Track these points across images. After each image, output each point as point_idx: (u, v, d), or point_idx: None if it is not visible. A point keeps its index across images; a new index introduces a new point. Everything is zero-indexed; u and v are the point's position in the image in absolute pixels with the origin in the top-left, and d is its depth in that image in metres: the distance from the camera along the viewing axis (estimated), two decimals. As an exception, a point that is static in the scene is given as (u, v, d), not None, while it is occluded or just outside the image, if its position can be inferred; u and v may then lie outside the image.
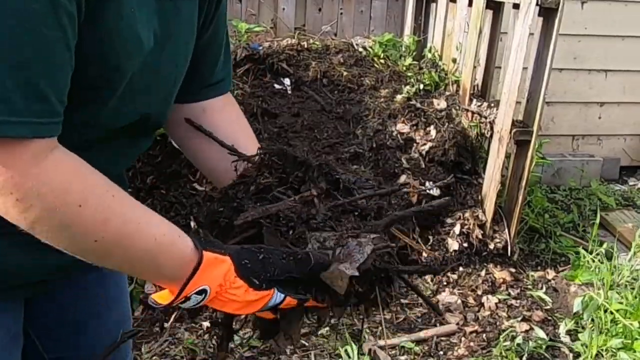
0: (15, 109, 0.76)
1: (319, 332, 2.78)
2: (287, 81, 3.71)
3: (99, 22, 0.83)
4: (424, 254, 3.18)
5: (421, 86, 3.72)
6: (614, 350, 2.66)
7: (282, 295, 0.94)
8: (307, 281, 0.94)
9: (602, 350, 2.68)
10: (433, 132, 3.52)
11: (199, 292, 0.90)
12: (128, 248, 0.87)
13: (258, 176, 1.05)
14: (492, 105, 3.46)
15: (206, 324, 2.74)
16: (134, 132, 1.04)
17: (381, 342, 2.73)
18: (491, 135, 3.39)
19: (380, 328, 2.86)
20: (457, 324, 2.94)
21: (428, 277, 3.24)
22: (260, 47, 3.80)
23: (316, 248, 0.96)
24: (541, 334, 2.85)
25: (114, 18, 0.85)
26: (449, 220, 3.39)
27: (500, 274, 3.31)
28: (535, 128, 3.24)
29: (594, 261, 3.29)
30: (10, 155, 0.77)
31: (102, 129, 0.97)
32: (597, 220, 3.36)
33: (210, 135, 1.15)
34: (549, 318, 3.03)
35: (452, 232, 3.35)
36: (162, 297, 0.93)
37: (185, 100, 1.18)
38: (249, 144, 1.20)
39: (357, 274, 0.92)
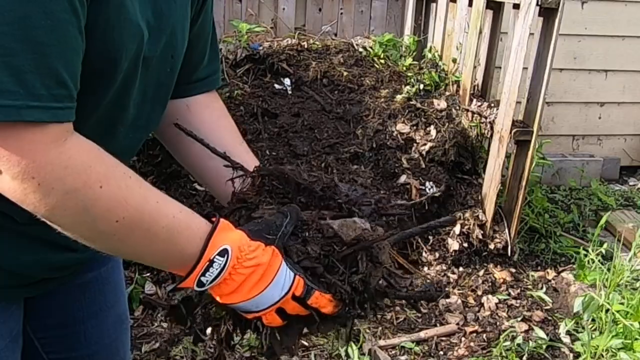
0: (35, 94, 0.76)
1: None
2: (287, 81, 3.71)
3: (102, 9, 0.84)
4: (419, 280, 3.18)
5: (421, 86, 3.72)
6: (614, 351, 2.66)
7: (292, 275, 0.95)
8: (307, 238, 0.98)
9: (602, 350, 2.68)
10: (433, 132, 3.52)
11: (221, 254, 0.90)
12: (149, 226, 0.87)
13: (260, 202, 1.05)
14: (492, 105, 3.46)
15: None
16: (131, 126, 1.04)
17: (381, 342, 2.73)
18: (491, 135, 3.39)
19: (380, 328, 2.86)
20: (457, 324, 2.94)
21: (428, 277, 3.24)
22: (261, 47, 3.80)
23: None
24: (541, 334, 2.85)
25: (115, 4, 0.85)
26: (449, 221, 3.38)
27: (501, 274, 3.31)
28: (535, 128, 3.24)
29: (593, 262, 3.29)
30: (30, 140, 0.77)
31: (100, 124, 0.97)
32: (603, 220, 3.34)
33: (201, 141, 1.14)
34: (549, 318, 3.03)
35: (452, 232, 3.35)
36: (184, 283, 0.93)
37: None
38: (235, 142, 1.21)
39: (368, 226, 0.98)
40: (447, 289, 3.16)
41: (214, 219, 0.94)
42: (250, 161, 1.18)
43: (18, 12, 0.74)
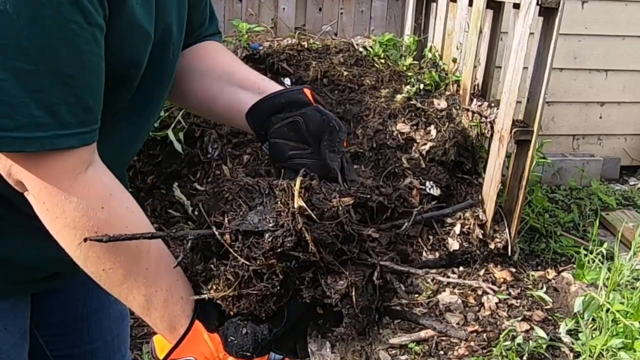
0: (64, 123, 0.80)
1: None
2: (287, 81, 3.71)
3: (115, 25, 0.86)
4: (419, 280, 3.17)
5: (421, 86, 3.72)
6: (615, 350, 2.66)
7: (280, 358, 0.95)
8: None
9: (602, 350, 2.68)
10: (433, 132, 3.52)
11: None
12: (128, 291, 0.90)
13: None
14: (493, 105, 3.46)
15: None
16: (133, 110, 1.04)
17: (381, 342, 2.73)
18: (491, 135, 3.39)
19: (380, 328, 2.86)
20: (458, 323, 2.94)
21: (428, 277, 3.24)
22: (261, 47, 3.80)
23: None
24: (541, 333, 2.85)
25: (127, 17, 0.87)
26: (449, 220, 3.39)
27: (501, 274, 3.31)
28: (535, 128, 3.24)
29: (593, 261, 3.29)
30: (50, 167, 0.82)
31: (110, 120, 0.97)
32: (597, 222, 3.35)
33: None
34: (550, 318, 3.03)
35: (452, 231, 3.35)
36: (160, 347, 0.96)
37: None
38: (250, 74, 1.15)
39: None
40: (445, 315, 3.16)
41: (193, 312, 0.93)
42: (258, 76, 1.13)
43: (45, 50, 0.77)
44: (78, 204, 0.84)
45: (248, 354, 0.90)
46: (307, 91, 1.06)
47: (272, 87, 1.09)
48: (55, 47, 0.78)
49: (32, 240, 0.99)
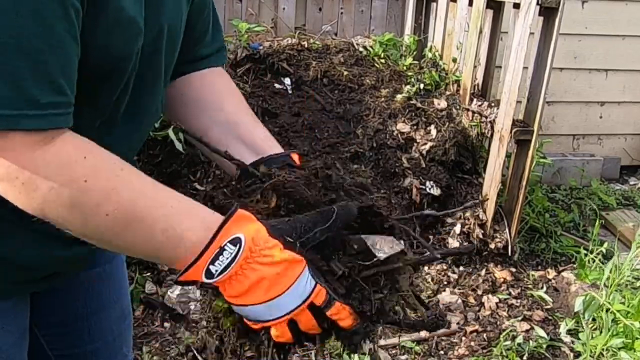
0: (32, 101, 0.77)
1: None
2: (287, 81, 3.71)
3: (101, 14, 0.84)
4: (419, 279, 3.19)
5: (421, 86, 3.71)
6: (615, 350, 2.66)
7: (313, 282, 0.87)
8: (334, 246, 0.91)
9: (603, 349, 2.68)
10: (433, 132, 3.52)
11: (233, 242, 0.84)
12: (144, 217, 0.83)
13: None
14: (493, 104, 3.46)
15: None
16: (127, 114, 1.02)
17: (382, 342, 2.73)
18: (491, 135, 3.39)
19: (380, 328, 2.86)
20: (458, 323, 2.94)
21: (428, 277, 3.24)
22: (261, 47, 3.80)
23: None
24: (542, 333, 2.85)
25: (114, 7, 0.85)
26: (449, 220, 3.39)
27: (501, 274, 3.31)
28: (535, 127, 3.24)
29: (594, 261, 3.29)
30: (16, 143, 0.78)
31: (102, 120, 0.97)
32: (598, 222, 3.36)
33: (200, 140, 1.10)
34: (550, 318, 3.03)
35: (452, 231, 3.35)
36: (189, 273, 0.85)
37: (172, 77, 1.15)
38: (242, 112, 1.17)
39: (403, 247, 0.92)
40: (447, 319, 3.17)
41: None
42: (258, 131, 1.15)
43: (14, 25, 0.74)
44: (59, 162, 0.79)
45: (290, 239, 0.87)
46: (295, 156, 1.08)
47: (269, 148, 1.11)
48: (25, 23, 0.75)
49: (32, 240, 0.99)
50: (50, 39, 0.77)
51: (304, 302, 0.87)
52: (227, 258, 0.84)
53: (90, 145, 0.83)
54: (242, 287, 0.85)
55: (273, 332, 0.89)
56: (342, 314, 0.90)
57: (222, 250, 0.84)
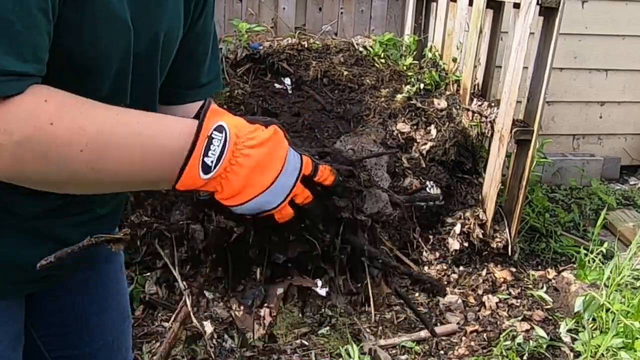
0: None
1: (320, 332, 2.78)
2: (287, 81, 3.71)
3: (87, 5, 0.83)
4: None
5: (421, 86, 3.71)
6: (615, 350, 2.66)
7: (298, 154, 0.88)
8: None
9: (603, 349, 2.68)
10: (433, 132, 3.52)
11: (219, 130, 0.82)
12: (118, 140, 0.80)
13: None
14: (493, 104, 3.46)
15: (207, 323, 2.74)
16: None
17: (382, 342, 2.73)
18: (492, 135, 3.39)
19: (380, 327, 2.86)
20: (458, 323, 2.94)
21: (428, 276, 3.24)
22: (261, 47, 3.80)
23: None
24: (542, 333, 2.85)
25: (100, 1, 0.85)
26: (449, 220, 3.39)
27: (501, 274, 3.31)
28: (535, 127, 3.24)
29: (594, 261, 3.29)
30: None
31: None
32: (601, 219, 3.36)
33: None
34: (550, 317, 3.03)
35: (452, 231, 3.35)
36: (185, 175, 0.82)
37: (168, 102, 1.15)
38: None
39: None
40: (447, 288, 3.16)
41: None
42: None
43: None
44: (19, 114, 0.75)
45: (268, 121, 0.88)
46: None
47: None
48: None
49: (27, 241, 0.99)
50: (20, 7, 0.75)
51: (298, 176, 0.87)
52: (218, 146, 0.82)
53: (50, 90, 0.79)
54: (239, 180, 0.83)
55: (278, 216, 0.88)
56: (325, 174, 0.91)
57: (210, 139, 0.82)
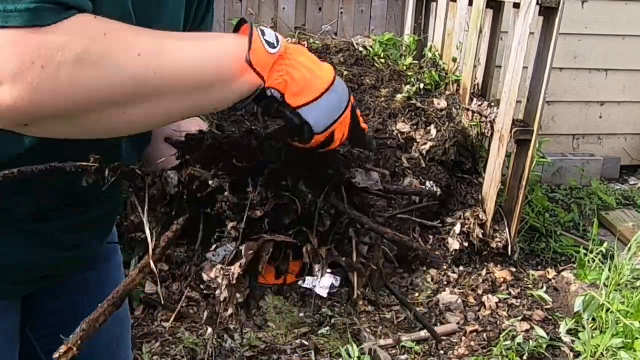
0: None
1: (320, 332, 2.78)
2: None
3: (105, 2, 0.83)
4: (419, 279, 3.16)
5: (421, 86, 3.71)
6: (615, 350, 2.66)
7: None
8: None
9: (603, 349, 2.68)
10: (433, 132, 3.52)
11: (268, 31, 0.83)
12: (173, 45, 0.78)
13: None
14: (493, 104, 3.46)
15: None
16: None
17: (382, 342, 2.73)
18: (492, 135, 3.39)
19: (380, 327, 2.86)
20: (458, 323, 2.94)
21: (428, 277, 3.24)
22: (261, 47, 3.79)
23: None
24: (542, 333, 2.85)
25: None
26: (449, 220, 3.39)
27: (501, 274, 3.31)
28: (535, 127, 3.24)
29: (594, 261, 3.29)
30: (22, 32, 0.69)
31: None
32: (596, 223, 3.37)
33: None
34: (550, 317, 3.03)
35: (452, 231, 3.35)
36: (255, 53, 0.80)
37: None
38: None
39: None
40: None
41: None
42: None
43: None
44: (71, 29, 0.71)
45: None
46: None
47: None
48: None
49: (24, 242, 0.99)
50: None
51: (349, 94, 0.87)
52: (270, 32, 0.82)
53: (94, 16, 0.76)
54: (302, 69, 0.82)
55: (337, 134, 0.86)
56: (360, 118, 0.91)
57: (263, 32, 0.82)
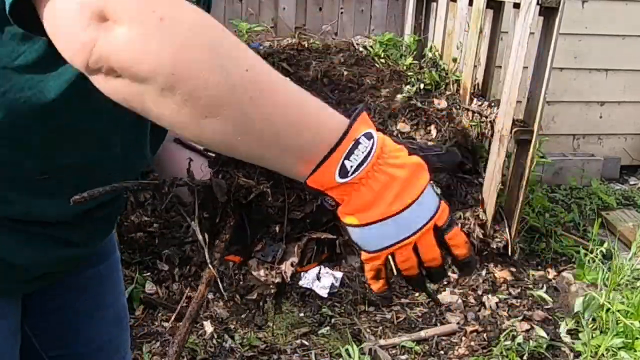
0: None
1: (320, 332, 2.78)
2: (287, 81, 3.71)
3: None
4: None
5: (422, 85, 3.71)
6: (615, 350, 2.66)
7: (437, 198, 0.82)
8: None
9: (603, 349, 2.68)
10: (434, 132, 3.52)
11: (367, 136, 0.76)
12: (278, 86, 0.74)
13: None
14: (493, 104, 3.46)
15: (207, 323, 2.74)
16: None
17: (382, 342, 2.73)
18: (492, 135, 3.39)
19: (380, 327, 2.86)
20: (458, 323, 2.94)
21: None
22: (261, 47, 3.79)
23: None
24: (542, 333, 2.85)
25: None
26: (449, 220, 3.38)
27: (501, 274, 3.31)
28: (535, 127, 3.24)
29: (593, 261, 3.29)
30: None
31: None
32: (597, 223, 3.37)
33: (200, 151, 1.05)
34: (550, 317, 3.03)
35: (452, 231, 3.35)
36: (321, 171, 0.75)
37: None
38: None
39: None
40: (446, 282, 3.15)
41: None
42: None
43: None
44: (194, 8, 0.69)
45: (414, 147, 0.84)
46: None
47: None
48: None
49: (26, 242, 0.99)
50: None
51: (431, 218, 0.79)
52: (363, 152, 0.75)
53: None
54: (370, 194, 0.76)
55: (398, 257, 0.80)
56: (459, 240, 0.83)
57: (357, 143, 0.75)
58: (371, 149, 0.76)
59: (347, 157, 0.75)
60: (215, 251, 0.94)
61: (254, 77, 0.71)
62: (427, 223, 0.79)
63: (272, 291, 0.92)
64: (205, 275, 0.93)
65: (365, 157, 0.75)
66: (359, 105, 0.82)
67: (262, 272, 0.92)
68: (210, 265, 0.92)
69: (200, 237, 0.91)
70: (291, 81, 0.77)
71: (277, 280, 0.91)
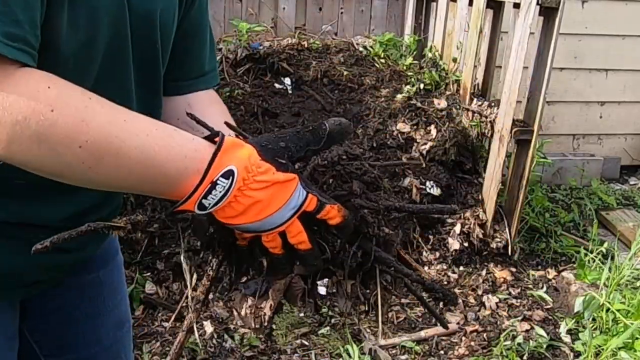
0: None
1: (320, 332, 2.78)
2: (287, 81, 3.71)
3: None
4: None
5: (422, 85, 3.71)
6: (615, 350, 2.66)
7: (305, 193, 0.88)
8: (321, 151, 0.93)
9: (603, 349, 2.68)
10: (434, 132, 3.52)
11: (226, 176, 0.82)
12: (118, 149, 0.78)
13: None
14: (493, 104, 3.46)
15: (207, 323, 2.74)
16: None
17: (382, 342, 2.73)
18: (492, 135, 3.39)
19: (380, 327, 2.86)
20: (458, 323, 2.94)
21: (428, 276, 3.24)
22: (261, 47, 3.79)
23: None
24: (542, 333, 2.85)
25: None
26: (449, 220, 3.39)
27: (501, 274, 3.31)
28: (535, 127, 3.24)
29: (593, 261, 3.29)
30: None
31: None
32: (595, 224, 3.36)
33: (210, 129, 1.10)
34: (550, 317, 3.03)
35: (452, 231, 3.35)
36: (184, 206, 0.83)
37: (171, 93, 1.15)
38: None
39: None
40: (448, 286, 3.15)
41: (216, 139, 0.85)
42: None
43: None
44: (21, 92, 0.73)
45: (282, 161, 0.88)
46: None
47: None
48: None
49: (21, 248, 0.99)
50: None
51: (295, 213, 0.87)
52: (220, 192, 0.82)
53: (55, 77, 0.77)
54: (235, 212, 0.85)
55: (264, 239, 0.89)
56: (332, 213, 0.90)
57: (214, 185, 0.82)
58: (230, 186, 0.83)
59: (205, 197, 0.83)
60: (200, 291, 0.95)
61: (91, 150, 0.77)
62: (290, 218, 0.87)
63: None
64: (186, 322, 0.94)
65: (223, 195, 0.83)
66: (220, 133, 0.86)
67: (243, 312, 0.94)
68: (191, 313, 0.94)
69: (187, 276, 0.94)
70: (137, 116, 0.82)
71: (257, 325, 0.93)
